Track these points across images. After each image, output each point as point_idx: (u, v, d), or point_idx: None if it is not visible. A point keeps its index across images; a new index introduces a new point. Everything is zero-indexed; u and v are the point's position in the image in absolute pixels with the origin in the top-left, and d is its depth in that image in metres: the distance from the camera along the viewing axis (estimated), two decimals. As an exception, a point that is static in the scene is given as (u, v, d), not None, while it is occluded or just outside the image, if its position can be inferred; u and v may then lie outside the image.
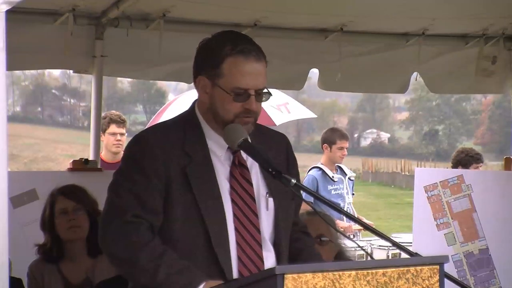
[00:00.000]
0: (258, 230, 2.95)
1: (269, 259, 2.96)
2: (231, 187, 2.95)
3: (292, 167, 3.12)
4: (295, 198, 3.06)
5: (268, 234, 2.98)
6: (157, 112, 10.78)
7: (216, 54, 2.91)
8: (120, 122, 7.05)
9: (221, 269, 2.86)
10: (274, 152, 3.04)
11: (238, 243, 2.91)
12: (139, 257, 2.79)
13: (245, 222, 2.93)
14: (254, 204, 2.96)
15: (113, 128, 6.98)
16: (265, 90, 2.94)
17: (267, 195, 2.99)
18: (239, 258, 2.90)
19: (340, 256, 4.17)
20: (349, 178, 8.14)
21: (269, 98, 2.96)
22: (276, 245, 3.00)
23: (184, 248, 2.86)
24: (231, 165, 2.98)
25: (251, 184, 2.98)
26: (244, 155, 2.99)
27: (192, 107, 3.05)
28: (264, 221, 2.97)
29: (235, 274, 2.88)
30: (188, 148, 2.93)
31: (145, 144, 2.94)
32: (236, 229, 2.92)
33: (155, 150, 2.90)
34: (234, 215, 2.92)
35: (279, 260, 2.98)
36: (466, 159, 7.54)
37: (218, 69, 2.90)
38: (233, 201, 2.93)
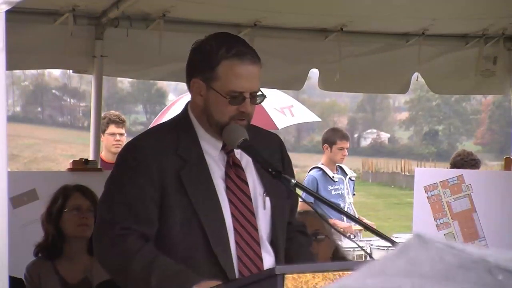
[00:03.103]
0: (256, 229, 2.95)
1: (268, 258, 2.97)
2: (227, 187, 2.95)
3: (287, 166, 3.12)
4: (291, 197, 3.07)
5: (266, 233, 2.99)
6: (159, 113, 10.76)
7: (211, 57, 2.89)
8: (119, 122, 7.02)
9: (222, 270, 2.86)
10: (269, 151, 3.04)
11: (237, 243, 2.91)
12: (130, 266, 2.79)
13: (243, 221, 2.94)
14: (251, 203, 2.97)
15: (112, 128, 6.96)
16: (259, 93, 2.94)
17: (264, 194, 2.99)
18: (239, 258, 2.91)
19: (337, 253, 4.17)
20: (349, 178, 8.13)
21: (263, 100, 2.97)
22: (273, 244, 3.00)
23: (184, 251, 2.87)
24: (225, 166, 2.98)
25: (247, 184, 2.99)
26: (238, 155, 3.00)
27: (185, 109, 3.04)
28: (262, 220, 2.98)
29: (236, 274, 2.88)
30: (181, 151, 2.93)
31: (138, 152, 2.93)
32: (235, 229, 2.92)
33: (149, 158, 2.89)
34: (232, 214, 2.93)
35: (276, 259, 2.99)
36: (462, 163, 7.45)
37: (213, 72, 2.89)
38: (230, 201, 2.94)
